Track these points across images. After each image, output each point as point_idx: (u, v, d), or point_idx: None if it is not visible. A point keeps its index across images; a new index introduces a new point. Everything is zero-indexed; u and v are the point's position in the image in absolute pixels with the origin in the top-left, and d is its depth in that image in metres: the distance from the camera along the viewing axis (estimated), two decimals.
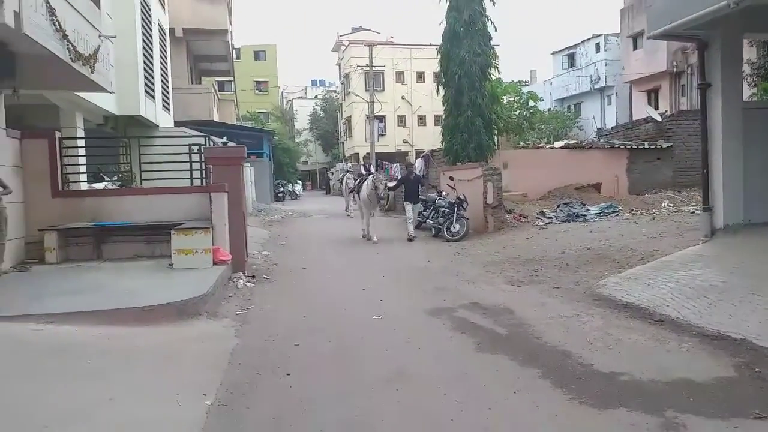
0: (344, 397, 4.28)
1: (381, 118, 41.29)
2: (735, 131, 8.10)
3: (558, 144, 19.79)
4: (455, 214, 13.10)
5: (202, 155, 10.16)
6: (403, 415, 3.96)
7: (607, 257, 9.42)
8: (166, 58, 16.81)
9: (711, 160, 8.24)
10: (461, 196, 13.21)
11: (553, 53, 41.65)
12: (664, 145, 18.64)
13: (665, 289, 6.99)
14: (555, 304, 7.00)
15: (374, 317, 6.63)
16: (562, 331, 5.81)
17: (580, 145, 18.85)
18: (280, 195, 36.03)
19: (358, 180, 15.30)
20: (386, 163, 26.65)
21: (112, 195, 10.02)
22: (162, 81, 15.69)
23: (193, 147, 10.68)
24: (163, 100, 15.79)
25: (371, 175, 14.15)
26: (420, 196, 14.78)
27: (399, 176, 20.07)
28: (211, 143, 12.14)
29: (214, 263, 8.44)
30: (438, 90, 17.38)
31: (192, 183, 10.46)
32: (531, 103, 21.39)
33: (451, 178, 14.49)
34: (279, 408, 4.09)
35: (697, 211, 14.80)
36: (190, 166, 10.46)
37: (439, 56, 17.28)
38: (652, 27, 8.10)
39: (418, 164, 19.82)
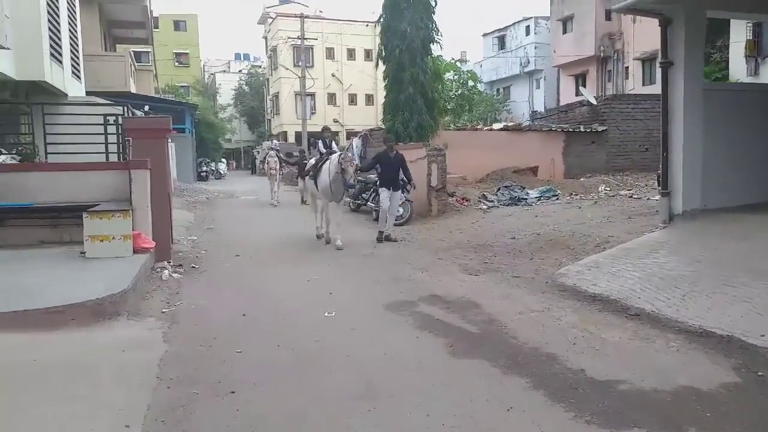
0: (305, 422, 3.51)
1: (310, 95, 39.91)
2: (696, 113, 7.87)
3: (497, 126, 19.54)
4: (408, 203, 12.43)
5: (120, 127, 8.88)
6: None
7: (561, 243, 9.05)
8: (75, 19, 14.93)
9: (671, 142, 7.98)
10: (405, 178, 12.53)
11: (484, 35, 41.81)
12: (599, 128, 18.77)
13: (633, 279, 6.64)
14: (520, 296, 6.49)
15: (326, 314, 5.85)
16: (538, 328, 5.28)
17: (518, 127, 18.68)
18: (203, 174, 34.24)
19: (316, 159, 10.83)
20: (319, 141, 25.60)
21: (10, 171, 8.57)
22: (71, 44, 13.89)
23: (109, 118, 9.34)
24: (72, 66, 14.00)
25: (338, 154, 10.26)
26: (400, 182, 10.97)
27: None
28: (131, 114, 10.78)
29: (135, 251, 7.34)
30: (377, 64, 16.56)
31: (108, 159, 9.17)
32: (471, 83, 20.96)
33: None
34: None
35: (634, 196, 14.99)
36: (106, 139, 9.15)
37: (378, 28, 16.43)
38: (616, 0, 7.69)
39: (356, 144, 18.98)
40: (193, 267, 8.24)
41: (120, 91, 19.26)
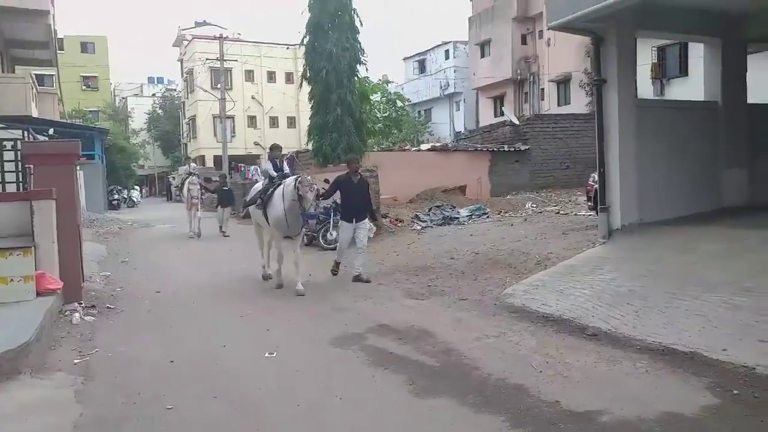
0: None
1: (230, 118, 38.72)
2: (630, 129, 7.97)
3: (425, 146, 19.54)
4: (331, 221, 11.94)
5: (19, 153, 7.90)
6: None
7: (501, 262, 8.89)
8: None
9: (607, 159, 8.02)
10: (337, 201, 12.06)
11: (404, 59, 42.30)
12: (522, 147, 19.16)
13: (582, 297, 6.50)
14: (472, 320, 6.18)
15: (267, 354, 5.26)
16: (498, 356, 4.95)
17: (446, 148, 18.75)
18: (115, 202, 32.22)
19: (264, 185, 8.81)
20: (242, 165, 24.65)
21: None
22: None
23: (5, 143, 8.33)
24: None
25: (293, 177, 8.09)
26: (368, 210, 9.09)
27: (259, 180, 18.44)
28: (32, 138, 9.72)
29: (39, 293, 6.42)
30: (302, 85, 16.08)
31: (4, 189, 8.14)
32: (399, 103, 20.89)
33: (326, 181, 13.10)
34: None
35: (561, 212, 15.29)
36: (2, 167, 8.13)
37: (302, 49, 16.00)
38: (552, 18, 7.71)
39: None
40: (108, 307, 7.36)
41: (20, 116, 17.67)
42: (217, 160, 36.77)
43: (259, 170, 23.81)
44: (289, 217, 7.97)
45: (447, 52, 38.43)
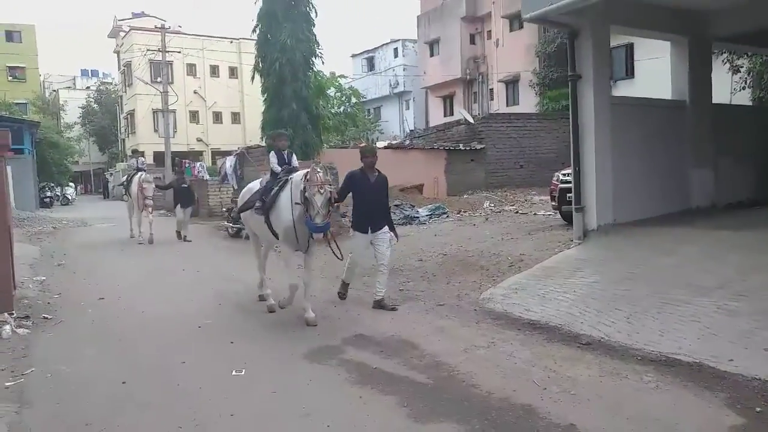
0: None
1: (171, 113, 37.06)
2: (605, 127, 7.78)
3: (380, 144, 19.08)
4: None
5: None
6: None
7: (473, 264, 8.53)
8: None
9: (583, 157, 7.79)
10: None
11: (353, 56, 41.76)
12: (478, 146, 19.01)
13: (567, 302, 6.20)
14: (455, 329, 5.76)
15: (234, 372, 4.65)
16: (494, 370, 4.54)
17: (402, 145, 18.36)
18: (47, 200, 30.19)
19: (266, 183, 6.77)
20: (187, 161, 23.44)
21: None
22: None
23: None
24: None
25: (304, 172, 5.96)
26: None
27: (207, 177, 17.37)
28: None
29: None
30: (253, 78, 15.31)
31: None
32: (354, 99, 20.33)
33: None
34: None
35: (520, 211, 15.16)
36: None
37: (251, 42, 15.25)
38: (527, 9, 7.39)
39: (229, 163, 17.36)
40: (44, 318, 6.53)
41: None
42: (158, 156, 35.16)
43: (205, 167, 22.73)
44: (299, 228, 6.03)
45: (396, 50, 38.16)
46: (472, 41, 32.06)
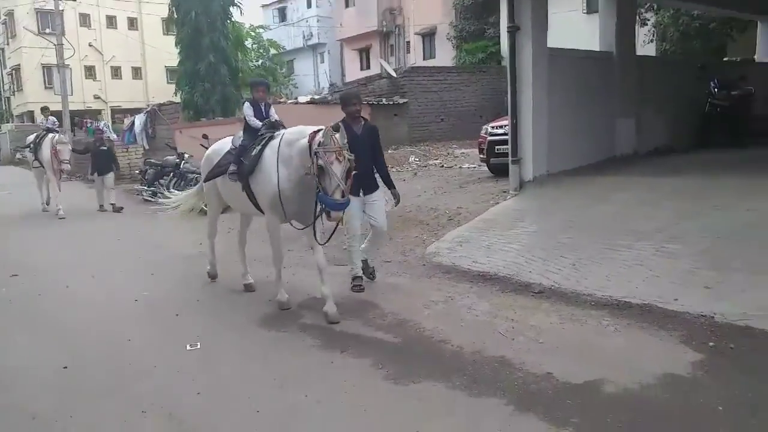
0: None
1: (65, 68, 34.01)
2: (542, 79, 7.84)
3: (302, 99, 18.45)
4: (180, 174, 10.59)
5: None
6: None
7: (412, 219, 8.51)
8: None
9: (520, 109, 7.84)
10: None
11: (263, 6, 39.76)
12: (401, 101, 18.86)
13: (512, 252, 6.31)
14: (409, 286, 5.76)
15: (189, 347, 4.38)
16: (460, 325, 4.56)
17: (325, 100, 17.81)
18: None
19: (242, 141, 5.56)
20: (88, 120, 21.61)
21: None
22: None
23: None
24: None
25: (313, 131, 4.68)
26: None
27: (112, 136, 16.15)
28: None
29: None
30: (168, 29, 14.24)
31: None
32: (272, 51, 19.39)
33: (205, 136, 11.63)
34: None
35: (444, 165, 15.31)
36: None
37: None
38: None
39: (138, 121, 16.14)
40: None
41: None
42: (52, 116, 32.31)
43: (110, 126, 21.10)
44: (299, 197, 4.92)
45: (309, 0, 36.76)
46: None
